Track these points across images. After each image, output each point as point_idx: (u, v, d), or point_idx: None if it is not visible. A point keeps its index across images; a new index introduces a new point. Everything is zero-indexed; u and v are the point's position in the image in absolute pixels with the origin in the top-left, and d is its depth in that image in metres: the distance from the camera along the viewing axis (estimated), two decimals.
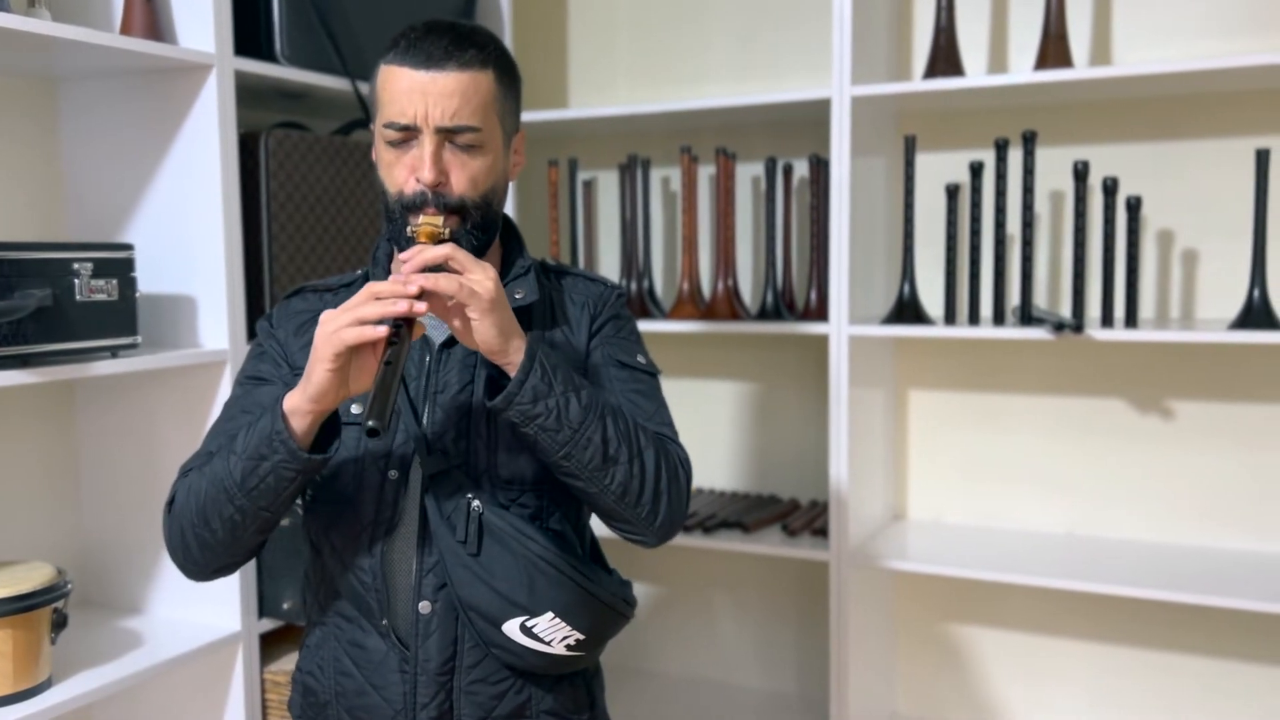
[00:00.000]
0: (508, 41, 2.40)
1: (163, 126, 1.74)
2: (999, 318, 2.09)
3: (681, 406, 2.62)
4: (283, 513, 1.20)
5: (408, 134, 1.21)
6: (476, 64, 1.21)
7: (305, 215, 1.89)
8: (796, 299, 2.42)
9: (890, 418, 2.38)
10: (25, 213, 1.81)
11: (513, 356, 1.16)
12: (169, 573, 1.82)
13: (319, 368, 1.11)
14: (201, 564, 1.23)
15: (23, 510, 1.81)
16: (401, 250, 1.25)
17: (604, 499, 1.21)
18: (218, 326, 1.73)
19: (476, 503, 1.23)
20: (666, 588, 2.68)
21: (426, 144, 1.20)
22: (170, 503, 1.25)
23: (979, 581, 2.34)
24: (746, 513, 2.41)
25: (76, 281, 1.50)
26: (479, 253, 1.26)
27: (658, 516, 1.23)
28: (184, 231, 1.75)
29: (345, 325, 1.10)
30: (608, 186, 2.65)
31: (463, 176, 1.22)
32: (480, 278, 1.14)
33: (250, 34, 1.84)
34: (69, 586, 1.53)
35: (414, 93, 1.19)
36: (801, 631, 2.55)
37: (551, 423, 1.16)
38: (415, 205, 1.21)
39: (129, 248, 1.59)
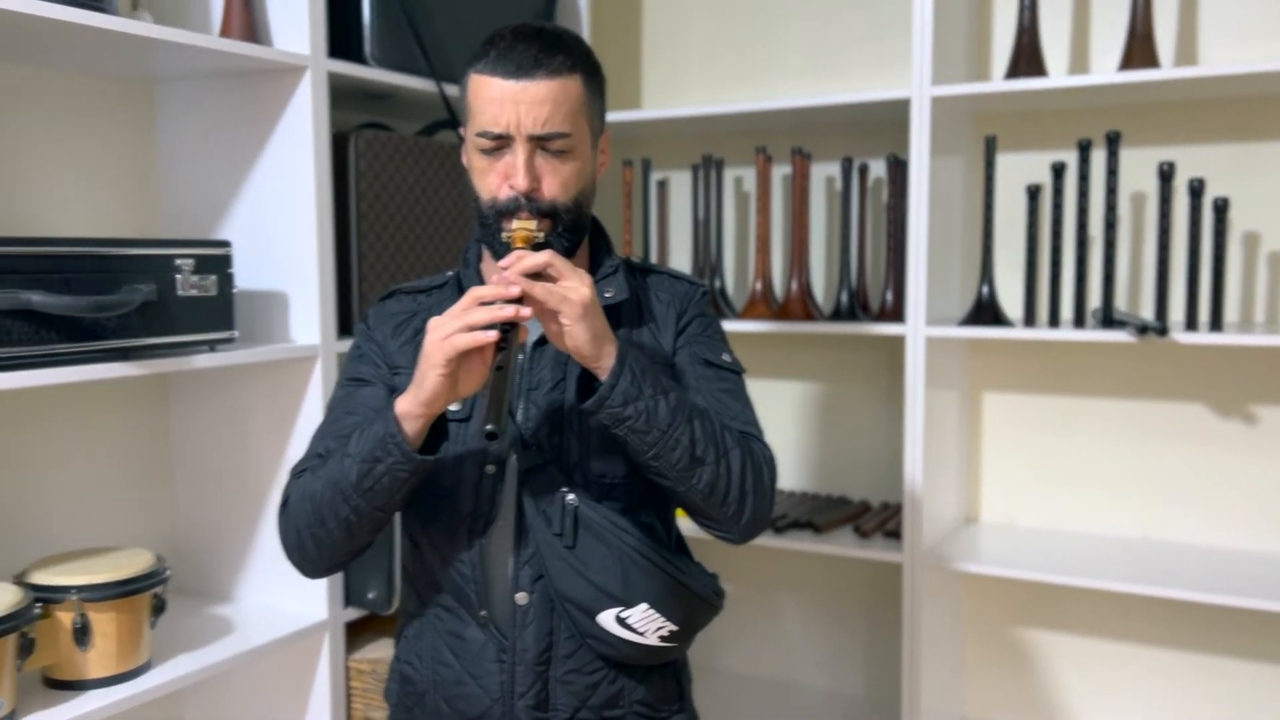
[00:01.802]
0: None
1: (257, 127, 1.79)
2: (1079, 320, 2.07)
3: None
4: (395, 511, 1.23)
5: (500, 142, 1.24)
6: (565, 70, 1.23)
7: (392, 214, 1.92)
8: (871, 299, 2.41)
9: (964, 420, 2.37)
10: (121, 211, 1.86)
11: (604, 361, 1.18)
12: (258, 562, 1.87)
13: (431, 373, 1.14)
14: (317, 561, 1.27)
15: (119, 499, 1.87)
16: (495, 254, 1.28)
17: (691, 497, 1.23)
18: (309, 322, 1.77)
19: (571, 496, 1.25)
20: (733, 586, 2.68)
21: (519, 152, 1.23)
22: (284, 503, 1.29)
23: (1049, 585, 2.32)
24: (817, 513, 2.41)
25: (178, 277, 1.54)
26: (569, 253, 1.29)
27: (744, 515, 1.24)
28: (277, 230, 1.79)
29: (456, 331, 1.13)
30: (680, 186, 2.67)
31: (554, 181, 1.25)
32: (575, 284, 1.16)
33: (341, 36, 1.88)
34: (168, 573, 1.58)
35: (505, 102, 1.22)
36: (870, 633, 2.55)
37: (641, 425, 1.18)
38: (509, 211, 1.24)
39: (227, 245, 1.63)
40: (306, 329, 1.78)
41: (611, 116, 2.40)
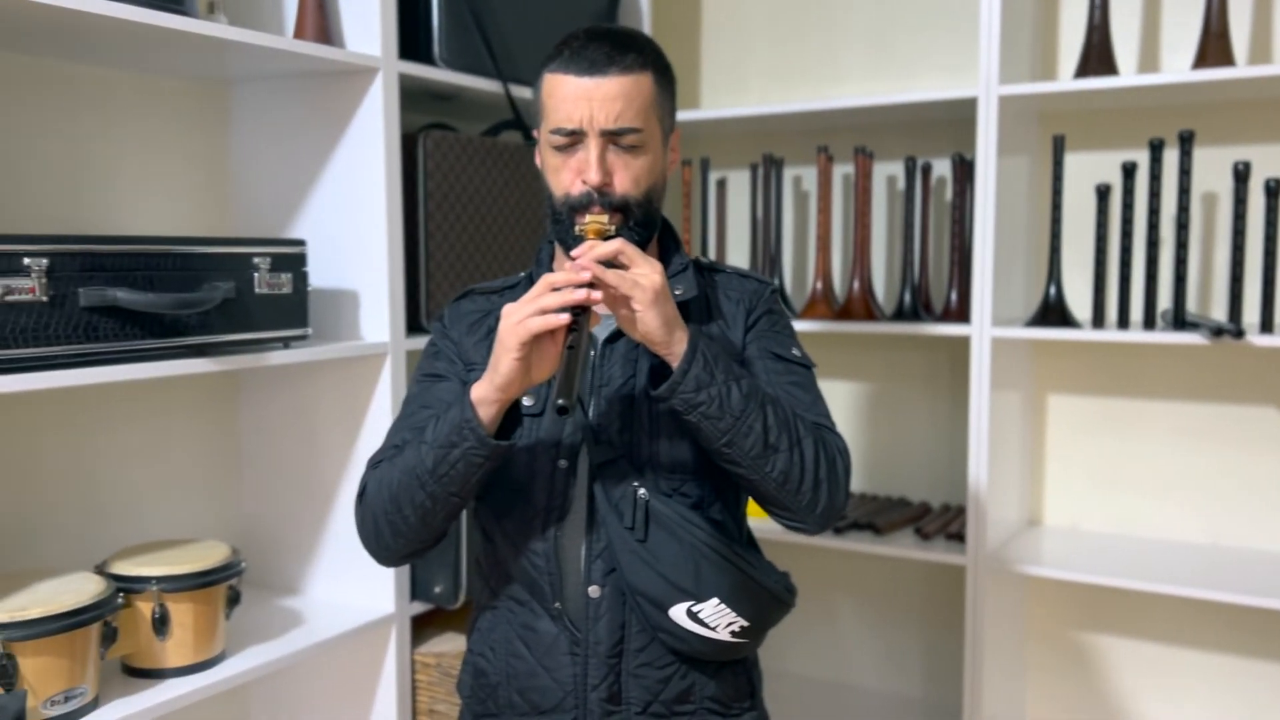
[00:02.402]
0: None
1: (329, 128, 1.81)
2: (1149, 322, 2.04)
3: None
4: (469, 498, 1.25)
5: (573, 139, 1.26)
6: (637, 67, 1.26)
7: (459, 214, 1.94)
8: (934, 300, 2.40)
9: (1027, 422, 2.34)
10: (195, 211, 1.90)
11: (675, 347, 1.19)
12: (326, 556, 1.90)
13: (506, 357, 1.16)
14: (393, 549, 1.29)
15: (192, 493, 1.91)
16: (567, 249, 1.30)
17: (765, 486, 1.23)
18: (379, 320, 1.80)
19: (642, 490, 1.26)
20: None
21: (592, 147, 1.25)
22: (361, 493, 1.31)
23: (1113, 589, 2.29)
24: (877, 514, 2.40)
25: (256, 275, 1.57)
26: (639, 248, 1.30)
27: (818, 504, 1.24)
28: (348, 229, 1.81)
29: (529, 315, 1.15)
30: (739, 185, 2.67)
31: (626, 177, 1.27)
32: (647, 271, 1.18)
33: (410, 38, 1.90)
34: (244, 565, 1.61)
35: (579, 99, 1.24)
36: (929, 636, 2.53)
37: (714, 410, 1.19)
38: (581, 206, 1.27)
39: (302, 243, 1.66)
40: (376, 327, 1.80)
41: None
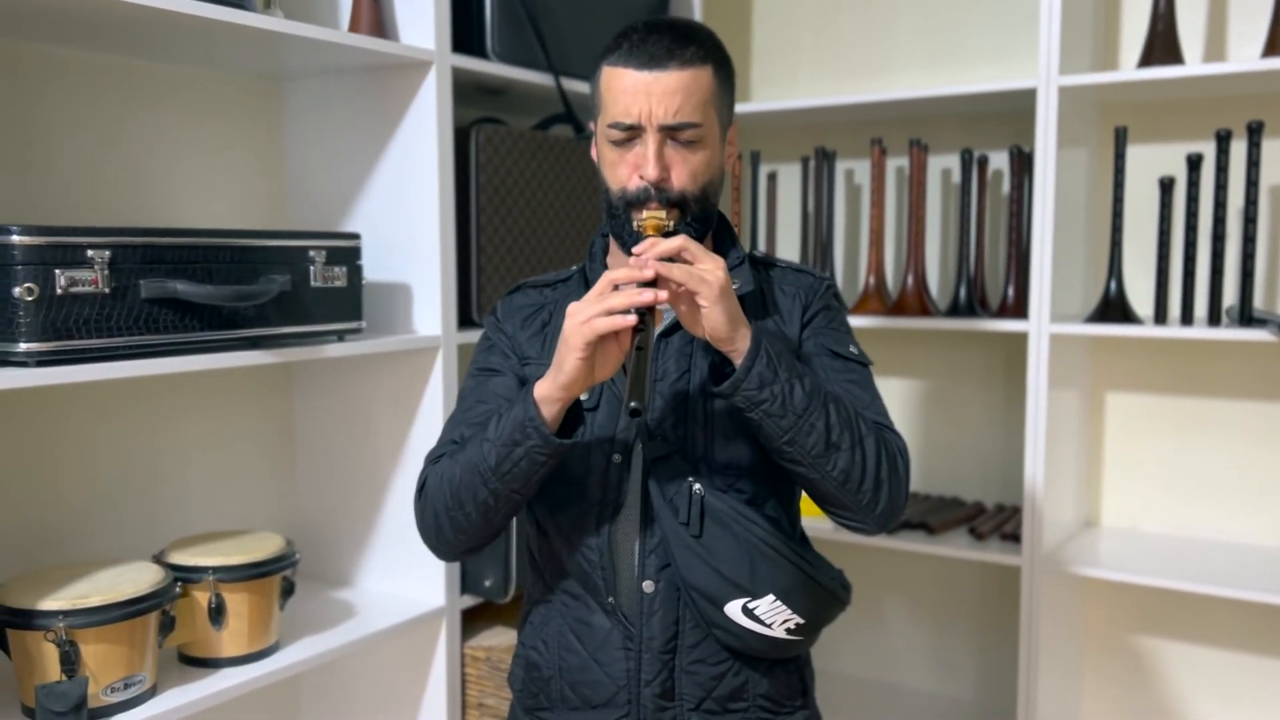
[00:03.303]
0: None
1: (383, 122, 1.82)
2: (1214, 318, 1.99)
3: None
4: (530, 495, 1.24)
5: (631, 133, 1.25)
6: (697, 61, 1.24)
7: (510, 208, 1.94)
8: (990, 295, 2.36)
9: (1085, 420, 2.30)
10: (250, 204, 1.92)
11: (739, 344, 1.18)
12: (378, 548, 1.91)
13: (570, 357, 1.15)
14: (453, 544, 1.29)
15: (245, 485, 1.93)
16: (624, 245, 1.29)
17: (825, 485, 1.21)
18: (431, 313, 1.80)
19: (698, 486, 1.25)
20: None
21: (650, 142, 1.24)
22: (421, 488, 1.31)
23: (1172, 592, 2.24)
24: (930, 514, 2.37)
25: (312, 268, 1.58)
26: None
27: (879, 504, 1.23)
28: (401, 223, 1.82)
29: (596, 315, 1.14)
30: (789, 179, 2.64)
31: (684, 172, 1.25)
32: (711, 267, 1.17)
33: (464, 32, 1.90)
34: (297, 556, 1.62)
35: (638, 93, 1.23)
36: (982, 637, 2.49)
37: (776, 408, 1.17)
38: (638, 201, 1.26)
39: (356, 237, 1.66)
40: (429, 320, 1.81)
41: None
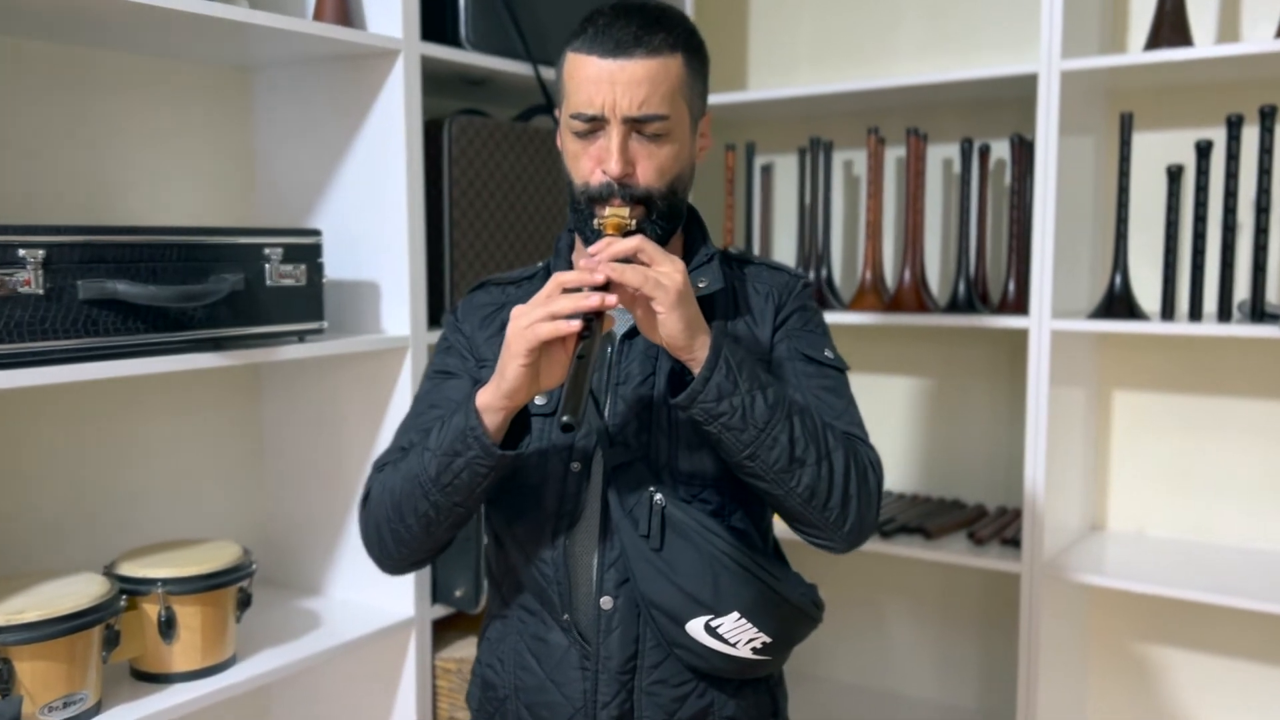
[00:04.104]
0: None
1: (350, 113, 1.75)
2: (1224, 314, 1.89)
3: (861, 403, 2.51)
4: (475, 508, 1.18)
5: (594, 124, 1.17)
6: (665, 49, 1.17)
7: (486, 202, 1.87)
8: (991, 290, 2.27)
9: (1091, 420, 2.20)
10: (219, 199, 1.85)
11: (697, 352, 1.11)
12: (347, 556, 1.84)
13: (512, 364, 1.09)
14: (397, 558, 1.22)
15: (211, 490, 1.86)
16: (587, 242, 1.22)
17: (790, 502, 1.14)
18: (400, 313, 1.73)
19: (659, 496, 1.18)
20: (838, 592, 2.57)
21: (613, 135, 1.16)
22: (365, 498, 1.25)
23: (1182, 601, 2.14)
24: (928, 517, 2.28)
25: (267, 266, 1.51)
26: (663, 241, 1.23)
27: (846, 521, 1.15)
28: (369, 218, 1.75)
29: (538, 320, 1.07)
30: (786, 171, 2.56)
31: (649, 167, 1.18)
32: (669, 270, 1.09)
33: (437, 19, 1.83)
34: (254, 567, 1.56)
35: (601, 82, 1.15)
36: (984, 644, 2.40)
37: (736, 421, 1.10)
38: (601, 197, 1.19)
39: (317, 233, 1.59)
40: (397, 319, 1.74)
41: (713, 98, 2.31)
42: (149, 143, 1.75)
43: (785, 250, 2.56)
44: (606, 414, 1.22)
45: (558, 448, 1.22)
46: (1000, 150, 2.29)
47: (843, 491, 1.14)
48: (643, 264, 1.10)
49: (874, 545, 2.18)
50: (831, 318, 2.23)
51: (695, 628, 1.17)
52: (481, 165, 1.86)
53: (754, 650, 1.19)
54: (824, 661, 2.61)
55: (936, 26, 2.36)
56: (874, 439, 2.50)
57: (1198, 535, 2.15)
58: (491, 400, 1.11)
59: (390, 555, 1.22)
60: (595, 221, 1.18)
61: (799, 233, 2.39)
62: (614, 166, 1.16)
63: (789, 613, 1.20)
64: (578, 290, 1.09)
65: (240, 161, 1.88)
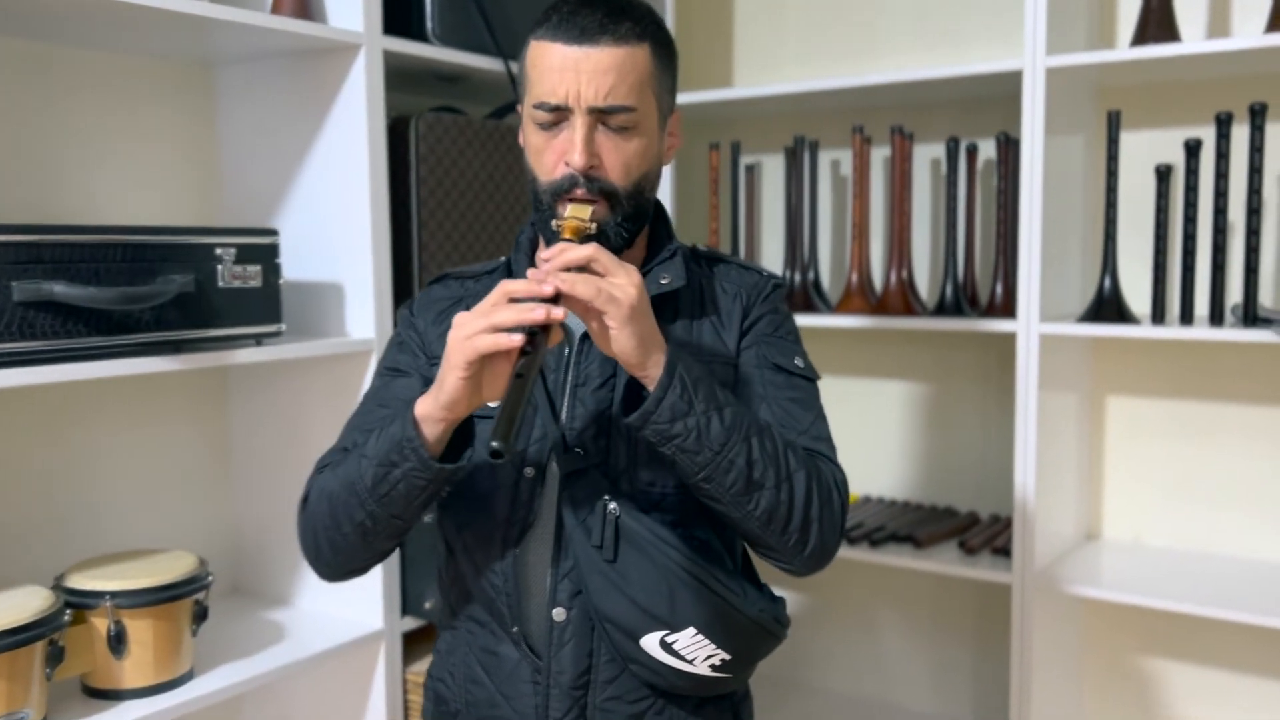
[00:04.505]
0: (668, 17, 2.28)
1: (313, 109, 1.71)
2: (1216, 317, 1.83)
3: (849, 408, 2.45)
4: (415, 520, 1.13)
5: (558, 115, 1.11)
6: (633, 38, 1.11)
7: (456, 201, 1.82)
8: (980, 293, 2.21)
9: (1085, 426, 2.14)
10: (184, 197, 1.81)
11: (651, 370, 1.05)
12: None
13: (451, 375, 1.03)
14: (333, 565, 1.17)
15: (177, 498, 1.82)
16: (549, 242, 1.16)
17: (748, 524, 1.09)
18: (364, 314, 1.68)
19: (613, 505, 1.13)
20: (830, 599, 2.51)
21: (578, 125, 1.10)
22: (304, 500, 1.19)
23: (1181, 612, 2.08)
24: (919, 525, 2.23)
25: (219, 267, 1.46)
26: (627, 243, 1.17)
27: (807, 545, 1.10)
28: (333, 217, 1.70)
29: (479, 331, 1.01)
30: (772, 171, 2.50)
31: (616, 161, 1.12)
32: (623, 283, 1.03)
33: (402, 13, 1.78)
34: (210, 579, 1.51)
35: (565, 70, 1.10)
36: (979, 654, 2.34)
37: (691, 444, 1.05)
38: (564, 190, 1.12)
39: (273, 233, 1.55)
40: (361, 322, 1.69)
41: (698, 96, 2.26)
42: (110, 141, 1.70)
43: (773, 251, 2.51)
44: (564, 417, 1.17)
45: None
46: (989, 150, 2.23)
47: (803, 515, 1.09)
48: (596, 274, 1.05)
49: (863, 554, 2.12)
50: (819, 320, 2.18)
51: (650, 643, 1.12)
52: (451, 163, 1.82)
53: (712, 667, 1.13)
54: (816, 670, 2.55)
55: (924, 24, 2.31)
56: (862, 445, 2.45)
57: (1196, 544, 2.09)
58: (430, 411, 1.06)
59: (325, 562, 1.17)
60: (554, 223, 1.12)
61: (786, 234, 2.33)
62: (579, 158, 1.10)
63: (749, 629, 1.14)
64: (525, 301, 1.02)
65: (205, 160, 1.83)
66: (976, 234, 2.21)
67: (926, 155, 2.31)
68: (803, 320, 2.19)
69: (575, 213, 1.11)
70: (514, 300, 1.02)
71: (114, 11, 1.39)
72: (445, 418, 1.05)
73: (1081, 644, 2.19)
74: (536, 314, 0.99)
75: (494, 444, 0.92)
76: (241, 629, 1.71)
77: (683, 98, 2.27)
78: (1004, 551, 2.07)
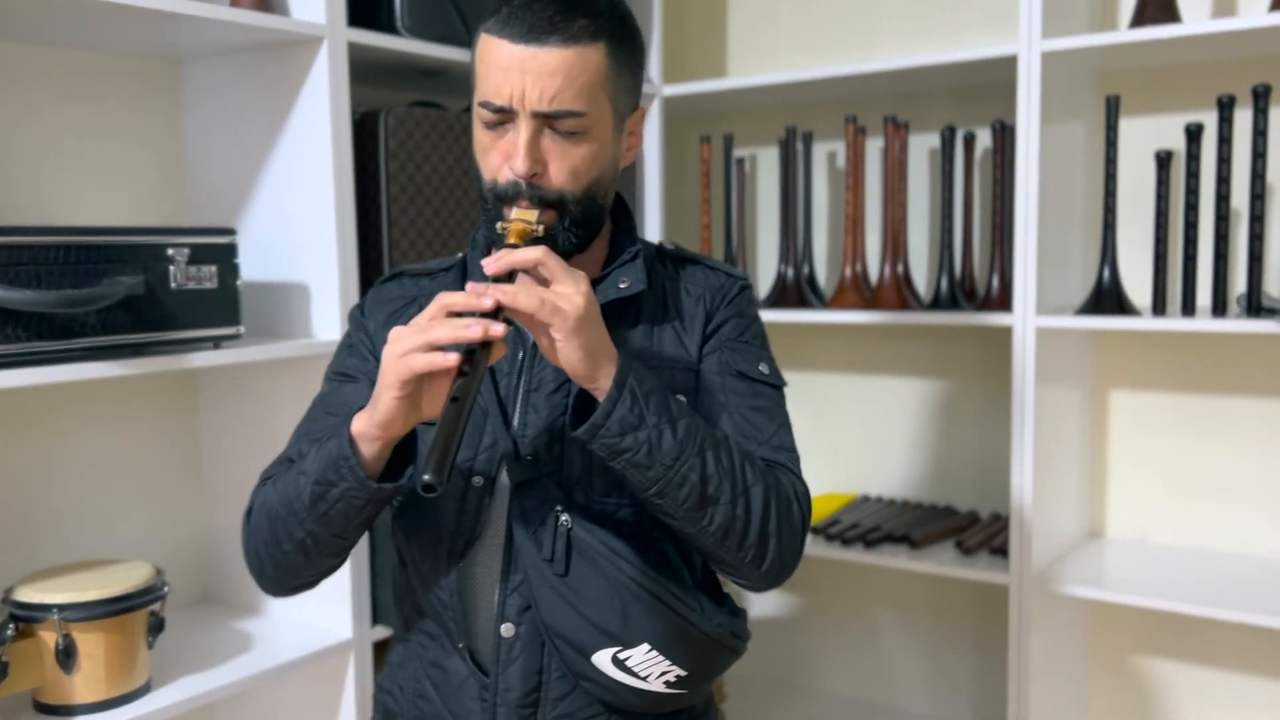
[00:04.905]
0: (656, 7, 2.21)
1: (277, 105, 1.66)
2: (1220, 308, 1.75)
3: (845, 406, 2.39)
4: (356, 538, 1.08)
5: (503, 116, 1.05)
6: (585, 36, 1.04)
7: (430, 198, 1.77)
8: (977, 286, 2.14)
9: (1087, 421, 2.07)
10: (148, 196, 1.76)
11: (601, 382, 0.99)
12: None
13: (385, 395, 0.97)
14: (275, 581, 1.12)
15: (146, 503, 1.77)
16: (496, 246, 1.10)
17: (702, 540, 1.04)
18: (330, 315, 1.63)
19: (565, 517, 1.07)
20: (828, 601, 2.45)
21: (522, 129, 1.04)
22: (248, 513, 1.14)
23: (1186, 612, 2.00)
24: (916, 525, 2.16)
25: (171, 269, 1.41)
26: (580, 249, 1.11)
27: (764, 561, 1.05)
28: (298, 215, 1.65)
29: (412, 350, 0.94)
30: (766, 164, 2.44)
31: (562, 167, 1.06)
32: (569, 291, 0.97)
33: (372, 5, 1.73)
34: (166, 589, 1.46)
35: (510, 70, 1.03)
36: (979, 655, 2.27)
37: (642, 458, 0.99)
38: (508, 197, 1.06)
39: (230, 233, 1.50)
40: (327, 323, 1.64)
41: (688, 88, 2.19)
42: (72, 140, 1.66)
43: (766, 246, 2.44)
44: (516, 424, 1.11)
45: (460, 459, 1.11)
46: (986, 138, 2.16)
47: (760, 530, 1.03)
48: (543, 279, 0.99)
49: (858, 555, 2.06)
50: (814, 316, 2.11)
51: (602, 660, 1.06)
52: (424, 159, 1.76)
53: (667, 684, 1.08)
54: (813, 672, 2.49)
55: (920, 11, 2.23)
56: (858, 442, 2.38)
57: (1202, 541, 2.01)
58: (366, 429, 1.00)
59: (269, 578, 1.12)
60: (499, 226, 1.06)
61: (780, 228, 2.27)
62: (520, 165, 1.04)
63: (705, 645, 1.08)
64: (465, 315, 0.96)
65: (170, 159, 1.79)
66: (975, 225, 2.14)
67: (923, 145, 2.24)
68: (797, 316, 2.12)
69: (522, 215, 1.05)
70: (453, 314, 0.96)
71: (74, 6, 1.34)
72: (381, 436, 1.00)
73: (1085, 644, 2.12)
74: (473, 331, 0.93)
75: (425, 477, 0.86)
76: (208, 639, 1.67)
77: (672, 89, 2.21)
78: (1001, 551, 2.00)
